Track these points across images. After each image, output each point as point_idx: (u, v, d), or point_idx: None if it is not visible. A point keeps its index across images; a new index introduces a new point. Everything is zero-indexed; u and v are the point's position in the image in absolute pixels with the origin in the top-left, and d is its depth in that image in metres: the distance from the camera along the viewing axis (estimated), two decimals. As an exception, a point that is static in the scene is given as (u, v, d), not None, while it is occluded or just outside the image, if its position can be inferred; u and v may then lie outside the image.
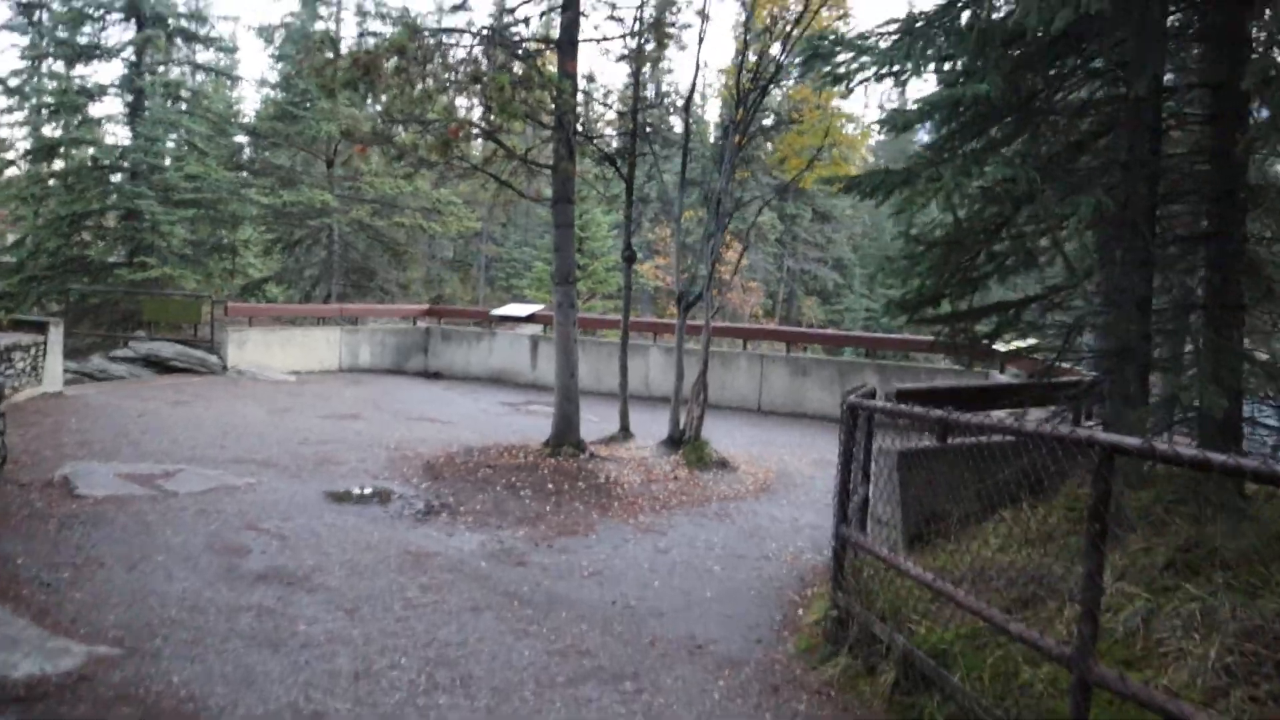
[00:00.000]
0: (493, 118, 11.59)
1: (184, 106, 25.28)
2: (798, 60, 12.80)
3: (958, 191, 6.33)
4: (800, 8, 12.95)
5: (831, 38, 8.22)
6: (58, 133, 25.23)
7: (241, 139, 27.71)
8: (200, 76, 29.22)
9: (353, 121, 15.84)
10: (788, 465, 13.81)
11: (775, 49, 13.20)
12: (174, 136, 24.89)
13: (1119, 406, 7.72)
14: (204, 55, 27.57)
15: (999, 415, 8.17)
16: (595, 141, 13.37)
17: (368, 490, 11.23)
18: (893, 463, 8.20)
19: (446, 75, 10.66)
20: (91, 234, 24.48)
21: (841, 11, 16.02)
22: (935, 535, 8.05)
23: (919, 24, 7.55)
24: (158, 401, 17.18)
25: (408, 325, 25.20)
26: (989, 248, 7.45)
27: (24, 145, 26.94)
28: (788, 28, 12.81)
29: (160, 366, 21.52)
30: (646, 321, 24.53)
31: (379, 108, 12.95)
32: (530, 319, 23.27)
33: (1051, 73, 7.68)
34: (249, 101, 42.94)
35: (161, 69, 26.02)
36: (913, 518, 8.33)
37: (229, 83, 37.15)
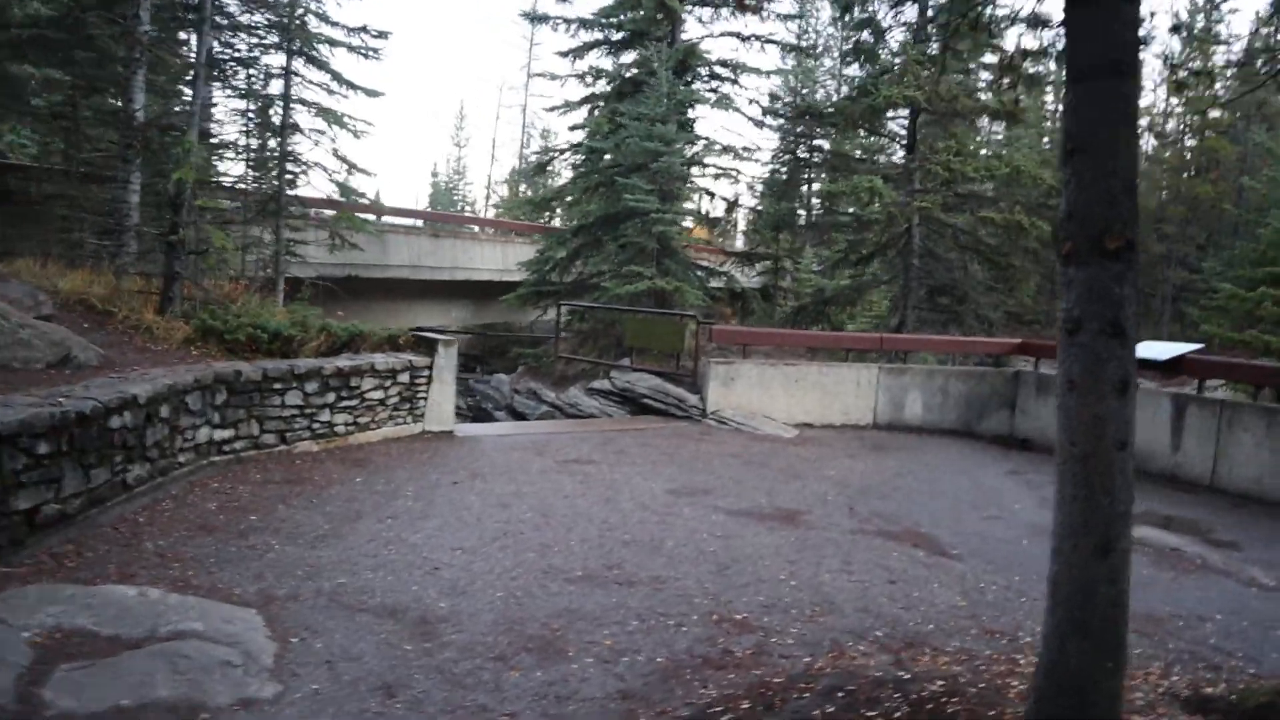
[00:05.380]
0: None
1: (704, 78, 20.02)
2: None
3: None
4: None
5: None
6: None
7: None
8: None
9: None
10: None
11: None
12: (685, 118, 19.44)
13: None
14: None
15: None
16: None
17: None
18: None
19: None
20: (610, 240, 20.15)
21: None
22: None
23: None
24: (553, 461, 11.84)
25: (986, 368, 17.04)
26: None
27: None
28: None
29: (634, 405, 16.33)
30: None
31: None
32: (1174, 367, 13.77)
33: None
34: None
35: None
36: None
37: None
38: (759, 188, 28.85)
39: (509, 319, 30.01)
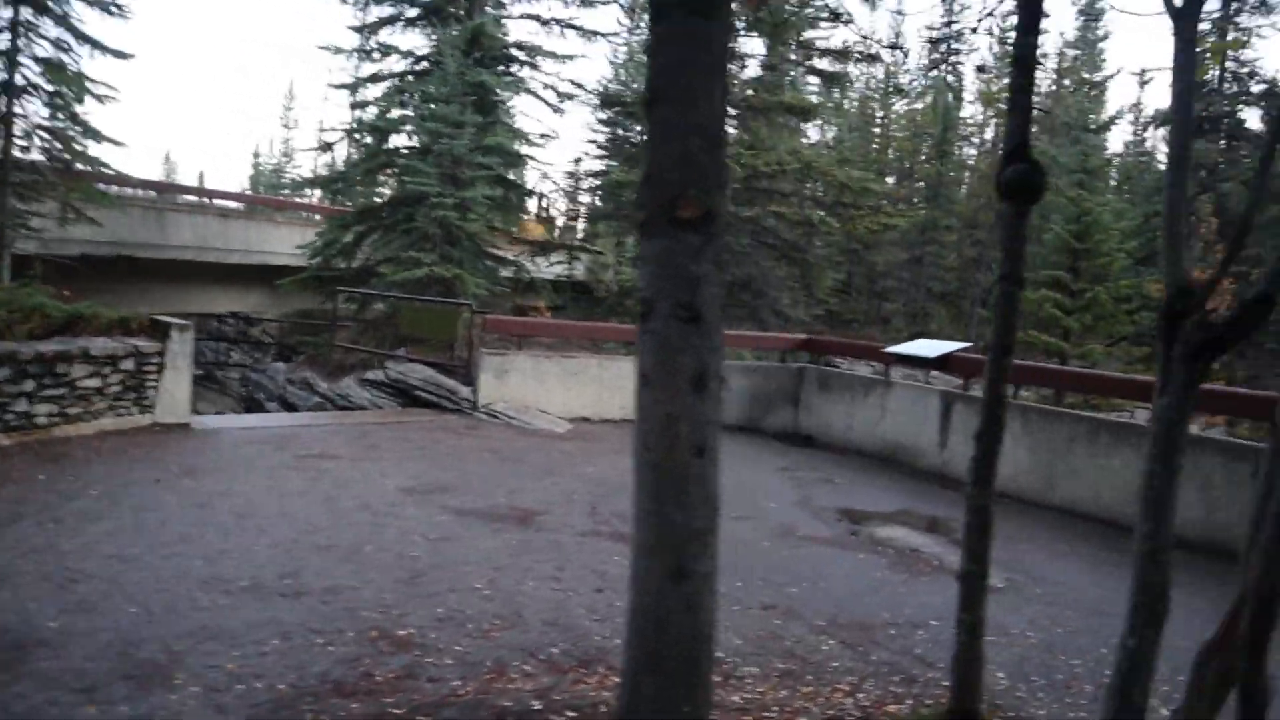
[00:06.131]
0: None
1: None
2: None
3: None
4: None
5: None
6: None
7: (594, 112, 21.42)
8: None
9: None
10: None
11: None
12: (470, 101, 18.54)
13: None
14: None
15: None
16: None
17: None
18: None
19: None
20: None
21: None
22: None
23: None
24: (292, 455, 10.94)
25: (771, 363, 16.94)
26: None
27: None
28: None
29: (406, 396, 15.47)
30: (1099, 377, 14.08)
31: None
32: (942, 364, 13.86)
33: None
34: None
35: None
36: None
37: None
38: (583, 178, 28.42)
39: (326, 306, 28.57)
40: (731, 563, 8.17)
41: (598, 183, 29.04)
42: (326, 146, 22.83)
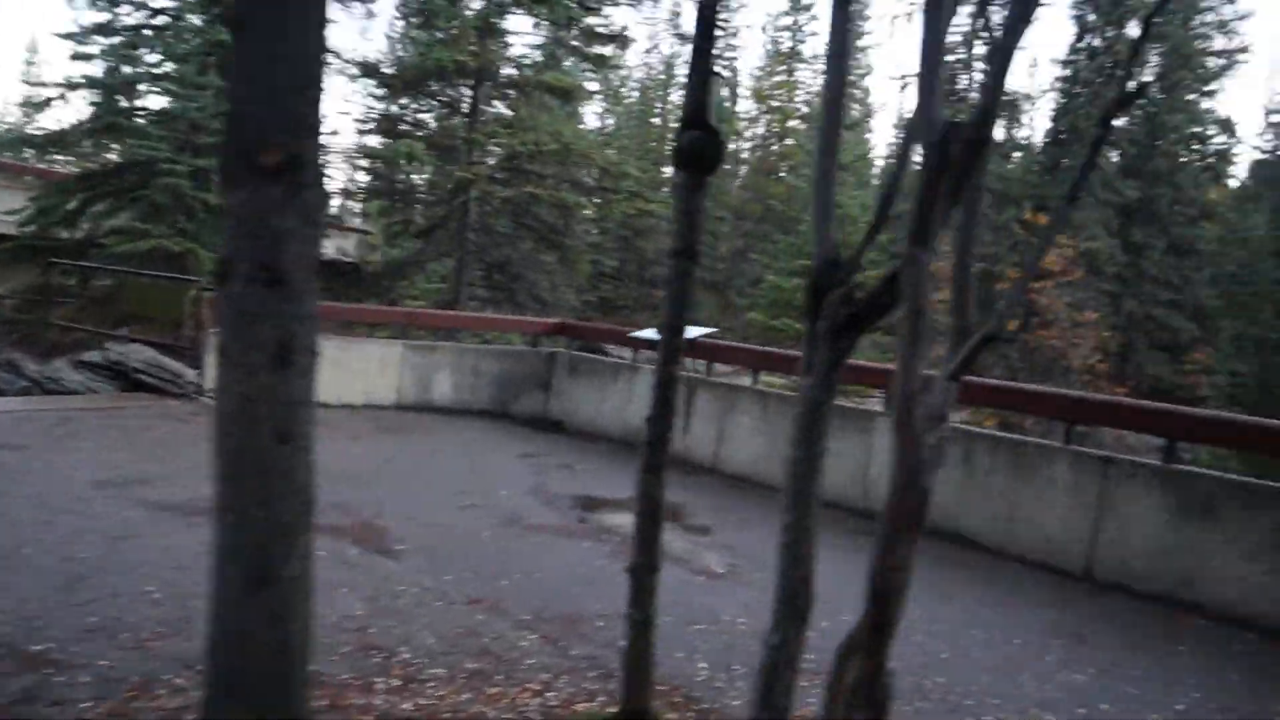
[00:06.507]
0: None
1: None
2: None
3: None
4: None
5: None
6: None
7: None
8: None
9: None
10: None
11: None
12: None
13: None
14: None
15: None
16: None
17: None
18: None
19: None
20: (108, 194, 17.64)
21: None
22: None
23: None
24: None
25: (523, 348, 16.62)
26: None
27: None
28: None
29: (127, 380, 14.21)
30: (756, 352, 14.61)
31: None
32: (689, 349, 13.93)
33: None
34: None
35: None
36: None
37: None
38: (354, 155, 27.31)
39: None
40: (447, 554, 7.82)
41: (364, 161, 27.90)
42: (45, 103, 20.62)
